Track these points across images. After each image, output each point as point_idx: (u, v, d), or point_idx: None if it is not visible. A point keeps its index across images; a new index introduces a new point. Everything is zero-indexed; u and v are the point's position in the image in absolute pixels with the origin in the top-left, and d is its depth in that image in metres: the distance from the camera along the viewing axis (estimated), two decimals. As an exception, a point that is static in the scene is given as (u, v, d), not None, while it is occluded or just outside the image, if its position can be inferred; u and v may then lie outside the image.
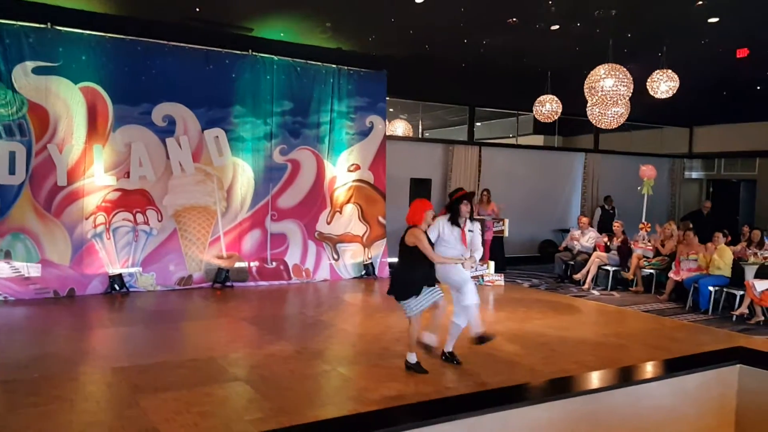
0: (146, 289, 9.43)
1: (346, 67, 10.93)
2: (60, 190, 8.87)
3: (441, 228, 5.99)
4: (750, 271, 9.00)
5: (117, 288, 9.16)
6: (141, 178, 9.41)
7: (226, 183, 10.07)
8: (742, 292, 8.61)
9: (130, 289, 9.30)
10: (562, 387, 2.97)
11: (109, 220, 9.21)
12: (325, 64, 10.73)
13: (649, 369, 3.28)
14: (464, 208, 6.00)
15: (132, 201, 9.37)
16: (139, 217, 9.43)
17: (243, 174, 10.19)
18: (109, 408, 4.85)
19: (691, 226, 10.72)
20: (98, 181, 9.11)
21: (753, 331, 7.96)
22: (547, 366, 6.14)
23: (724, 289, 8.98)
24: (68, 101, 8.86)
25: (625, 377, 3.08)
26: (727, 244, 9.75)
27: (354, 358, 5.99)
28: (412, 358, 5.84)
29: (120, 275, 9.22)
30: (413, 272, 5.67)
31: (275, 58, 10.31)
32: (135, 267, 9.41)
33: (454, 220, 6.01)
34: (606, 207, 14.16)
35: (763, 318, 8.38)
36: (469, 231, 6.04)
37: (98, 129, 9.07)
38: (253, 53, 10.14)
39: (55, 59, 8.74)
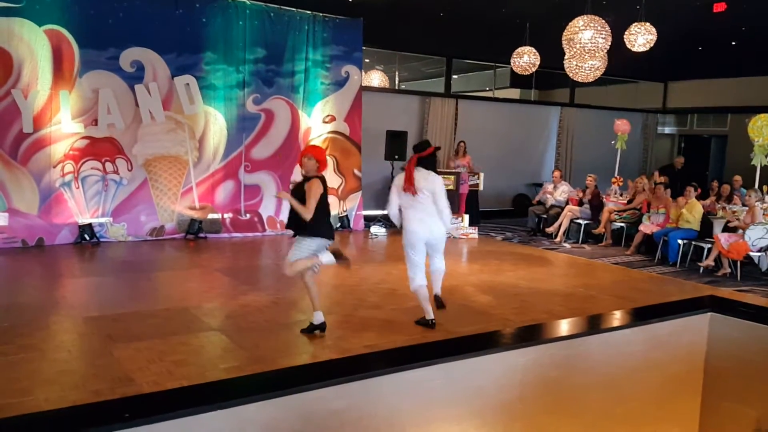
0: (117, 239, 9.29)
1: (321, 14, 10.65)
2: (26, 137, 8.60)
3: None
4: (718, 225, 9.17)
5: (87, 238, 9.01)
6: (109, 125, 9.15)
7: (198, 132, 9.85)
8: (709, 245, 8.78)
9: (101, 240, 9.15)
10: (537, 333, 3.01)
11: (77, 169, 8.99)
12: (299, 10, 10.42)
13: (623, 316, 3.33)
14: None
15: (101, 149, 9.13)
16: (109, 166, 9.22)
17: (215, 123, 9.97)
18: (81, 357, 4.81)
19: (661, 180, 10.81)
20: (65, 128, 8.84)
21: (719, 283, 8.14)
22: (519, 316, 6.24)
23: (693, 243, 9.15)
24: (32, 44, 8.51)
25: (600, 324, 3.12)
26: (697, 197, 9.89)
27: (329, 308, 5.99)
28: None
29: (90, 225, 9.06)
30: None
31: (247, 2, 9.98)
32: (105, 217, 9.25)
33: None
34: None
35: (729, 270, 8.57)
36: None
37: (64, 74, 8.76)
38: (225, -3, 9.82)
39: (18, 0, 8.35)
